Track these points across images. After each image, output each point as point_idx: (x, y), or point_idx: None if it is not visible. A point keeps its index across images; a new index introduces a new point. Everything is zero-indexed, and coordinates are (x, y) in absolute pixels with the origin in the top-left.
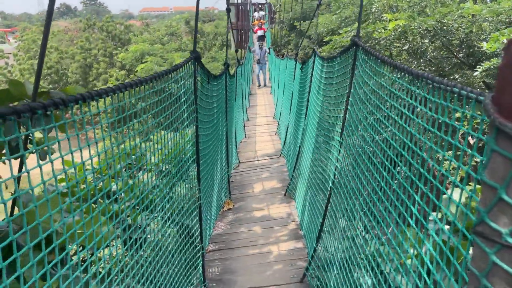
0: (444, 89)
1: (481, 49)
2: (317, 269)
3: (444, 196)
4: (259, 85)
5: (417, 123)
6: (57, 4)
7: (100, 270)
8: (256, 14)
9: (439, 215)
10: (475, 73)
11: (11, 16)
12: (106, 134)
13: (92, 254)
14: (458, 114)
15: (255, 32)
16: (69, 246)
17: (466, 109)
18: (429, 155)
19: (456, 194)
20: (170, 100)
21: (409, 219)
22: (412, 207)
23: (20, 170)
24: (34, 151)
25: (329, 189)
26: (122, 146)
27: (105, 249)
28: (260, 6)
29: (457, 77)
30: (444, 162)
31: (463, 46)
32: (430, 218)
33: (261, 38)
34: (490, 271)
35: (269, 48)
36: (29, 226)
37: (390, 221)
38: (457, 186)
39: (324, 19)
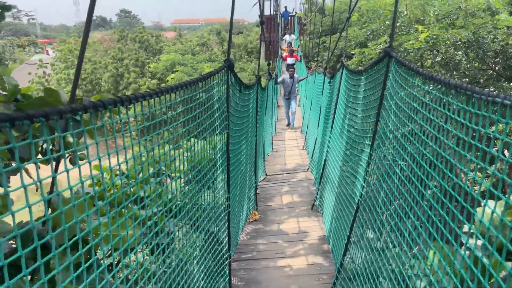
0: (485, 99)
1: None
2: (345, 283)
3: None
4: (288, 124)
5: (454, 135)
6: (93, 17)
7: (127, 274)
8: (287, 37)
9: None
10: None
11: (49, 28)
12: (137, 141)
13: (118, 261)
14: (499, 127)
15: (284, 60)
16: (99, 249)
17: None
18: (468, 168)
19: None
20: (203, 107)
21: (447, 234)
22: (451, 222)
23: (56, 171)
24: (67, 154)
25: (357, 202)
26: (152, 152)
27: (133, 254)
28: (288, 19)
29: (492, 89)
30: (482, 174)
31: (499, 58)
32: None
33: (291, 66)
34: None
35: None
36: (59, 229)
37: (424, 236)
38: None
39: (352, 31)
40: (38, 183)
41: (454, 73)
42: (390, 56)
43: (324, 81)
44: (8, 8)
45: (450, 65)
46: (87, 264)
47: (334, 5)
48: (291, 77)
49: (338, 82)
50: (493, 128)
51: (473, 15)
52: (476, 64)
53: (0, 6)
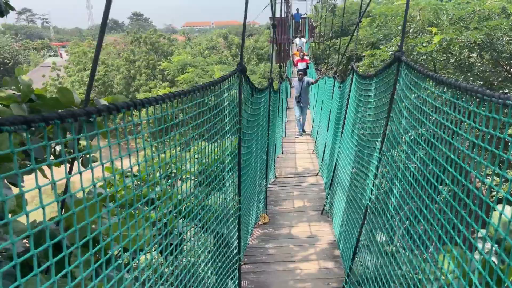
0: (496, 102)
1: None
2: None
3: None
4: (300, 133)
5: (465, 138)
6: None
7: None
8: (297, 40)
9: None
10: None
11: (63, 31)
12: (149, 144)
13: (134, 258)
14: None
15: (296, 65)
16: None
17: None
18: (477, 171)
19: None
20: (215, 111)
21: (456, 237)
22: (460, 225)
23: (69, 173)
24: (80, 156)
25: (365, 206)
26: (164, 155)
27: (144, 254)
28: (299, 22)
29: (507, 91)
30: (491, 178)
31: None
32: (479, 235)
33: (302, 71)
34: None
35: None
36: (77, 226)
37: (435, 240)
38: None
39: (364, 31)
40: (51, 184)
41: (468, 75)
42: (400, 61)
43: (334, 86)
44: (11, 7)
45: (464, 67)
46: (101, 261)
47: (344, 6)
48: (300, 80)
49: (349, 86)
50: (508, 131)
51: (487, 19)
52: (490, 66)
53: (4, 2)
